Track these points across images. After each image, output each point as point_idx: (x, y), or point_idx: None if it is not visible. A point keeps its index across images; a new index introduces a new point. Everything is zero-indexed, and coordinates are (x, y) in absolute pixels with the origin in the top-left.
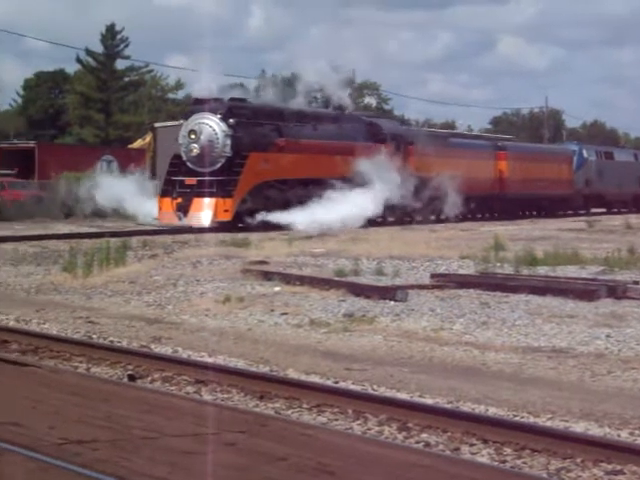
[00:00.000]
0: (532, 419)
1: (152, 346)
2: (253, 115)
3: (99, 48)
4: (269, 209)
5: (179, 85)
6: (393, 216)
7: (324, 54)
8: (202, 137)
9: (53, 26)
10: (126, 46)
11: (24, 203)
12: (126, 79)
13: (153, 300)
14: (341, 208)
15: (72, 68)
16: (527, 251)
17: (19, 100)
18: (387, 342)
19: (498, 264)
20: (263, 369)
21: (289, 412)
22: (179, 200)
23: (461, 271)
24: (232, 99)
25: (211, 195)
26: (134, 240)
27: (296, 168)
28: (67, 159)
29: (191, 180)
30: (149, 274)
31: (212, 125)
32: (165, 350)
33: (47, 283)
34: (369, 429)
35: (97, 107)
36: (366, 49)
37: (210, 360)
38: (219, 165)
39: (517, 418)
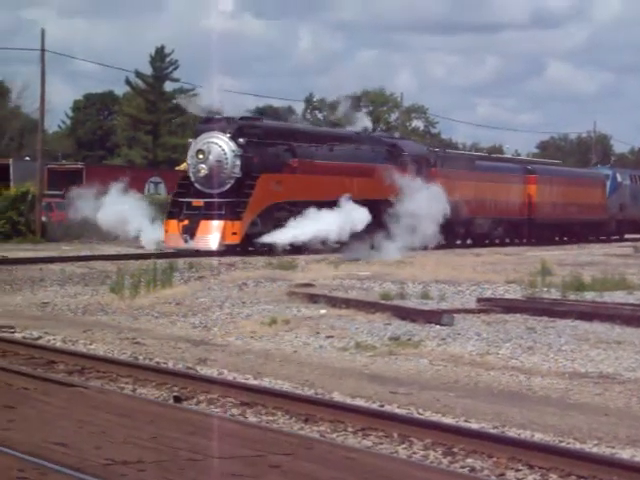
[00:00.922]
0: (578, 445)
1: (198, 368)
2: (265, 135)
3: (148, 70)
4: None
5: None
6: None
7: (372, 78)
8: (210, 157)
9: (102, 48)
10: (175, 68)
11: (71, 224)
12: (174, 101)
13: (199, 322)
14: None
15: (121, 90)
16: (574, 276)
17: (68, 122)
18: (433, 366)
19: (545, 289)
20: (308, 392)
21: (334, 435)
22: (186, 222)
23: (507, 296)
24: (243, 118)
25: (219, 217)
26: (180, 262)
27: (310, 190)
28: (115, 180)
29: (198, 202)
30: (195, 296)
31: (221, 145)
32: (211, 372)
33: (94, 304)
34: (414, 453)
35: (145, 129)
36: (414, 73)
37: (255, 382)
38: (228, 186)
39: (563, 444)
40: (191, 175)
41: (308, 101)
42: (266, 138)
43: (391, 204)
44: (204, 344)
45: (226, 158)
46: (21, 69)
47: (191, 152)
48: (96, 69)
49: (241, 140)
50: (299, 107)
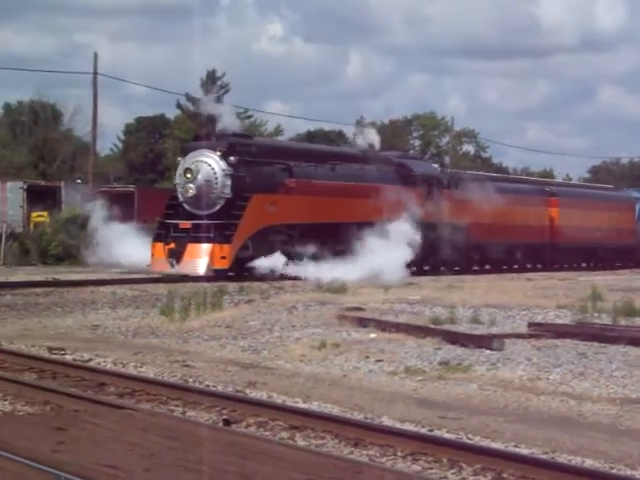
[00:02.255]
0: (629, 472)
1: (247, 391)
2: (259, 153)
3: (199, 94)
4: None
5: (278, 131)
6: (427, 264)
7: (423, 102)
8: (199, 176)
9: (154, 72)
10: (226, 92)
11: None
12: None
13: (249, 345)
14: (360, 258)
15: (172, 113)
16: (626, 301)
17: (119, 145)
18: (482, 391)
19: (596, 314)
20: (357, 416)
21: (383, 459)
22: (172, 245)
23: (558, 321)
24: (235, 135)
25: (207, 240)
26: (230, 285)
27: (308, 211)
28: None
29: (186, 224)
30: (245, 319)
31: (210, 163)
32: (260, 395)
33: (145, 326)
34: (463, 478)
35: None
36: (465, 97)
37: (305, 406)
38: (218, 207)
39: (614, 470)
40: (179, 195)
41: (358, 124)
42: (260, 156)
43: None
44: (254, 367)
45: (216, 177)
46: (74, 92)
47: (179, 171)
48: (147, 92)
49: (232, 158)
50: (349, 131)
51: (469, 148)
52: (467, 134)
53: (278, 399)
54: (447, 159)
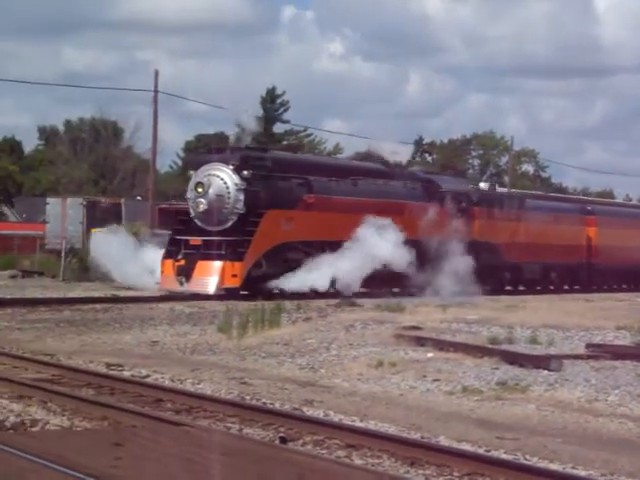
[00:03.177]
0: None
1: (304, 409)
2: (275, 167)
3: (259, 111)
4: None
5: (338, 150)
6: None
7: (482, 121)
8: (210, 191)
9: (214, 89)
10: (286, 110)
11: None
12: (284, 142)
13: (306, 363)
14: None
15: (232, 131)
16: None
17: (179, 162)
18: (540, 411)
19: None
20: (414, 435)
21: (440, 479)
22: (182, 263)
23: (617, 342)
24: (249, 148)
25: (218, 258)
26: (288, 303)
27: (327, 229)
28: None
29: (196, 240)
30: (303, 337)
31: (223, 177)
32: (317, 413)
33: (202, 343)
34: None
35: None
36: (524, 116)
37: (361, 425)
38: (230, 223)
39: None
40: (191, 210)
41: (417, 144)
42: (276, 171)
43: (422, 245)
44: (311, 385)
45: (228, 192)
46: (134, 109)
47: (190, 185)
48: (207, 110)
49: (245, 172)
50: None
51: (528, 168)
52: (526, 154)
53: (335, 417)
54: (506, 179)
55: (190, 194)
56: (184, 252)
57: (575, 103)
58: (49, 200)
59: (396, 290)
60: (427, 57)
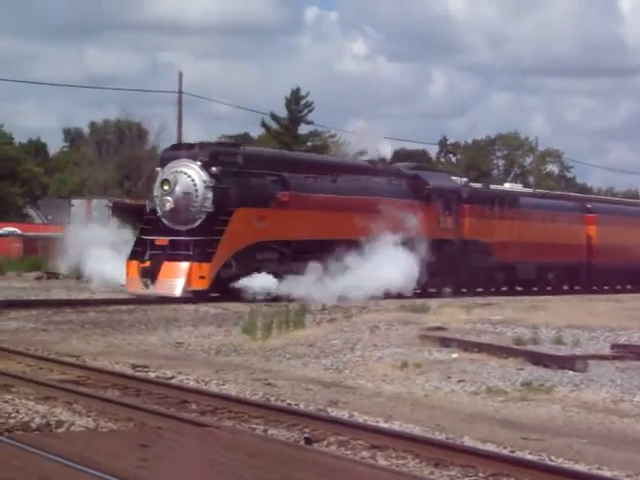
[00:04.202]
0: None
1: (329, 410)
2: (247, 164)
3: (283, 113)
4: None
5: (362, 151)
6: (435, 286)
7: (507, 121)
8: (177, 188)
9: (238, 90)
10: (310, 111)
11: None
12: (309, 144)
13: (330, 364)
14: (359, 275)
15: (256, 132)
16: None
17: None
18: (565, 412)
19: None
20: (439, 436)
21: None
22: (147, 264)
23: None
24: (219, 144)
25: (185, 258)
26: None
27: (303, 227)
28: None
29: (162, 240)
30: (327, 338)
31: (190, 174)
32: (342, 414)
33: (227, 344)
34: None
35: None
36: (549, 116)
37: (386, 425)
38: (198, 222)
39: None
40: (158, 209)
41: (442, 144)
42: (248, 167)
43: (407, 244)
44: (335, 386)
45: (196, 190)
46: (159, 111)
47: (157, 183)
48: (231, 111)
49: (214, 169)
50: (433, 150)
51: (553, 168)
52: (551, 154)
53: (360, 418)
54: (531, 179)
55: (156, 192)
56: (150, 253)
57: (600, 103)
58: (74, 202)
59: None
60: (451, 57)
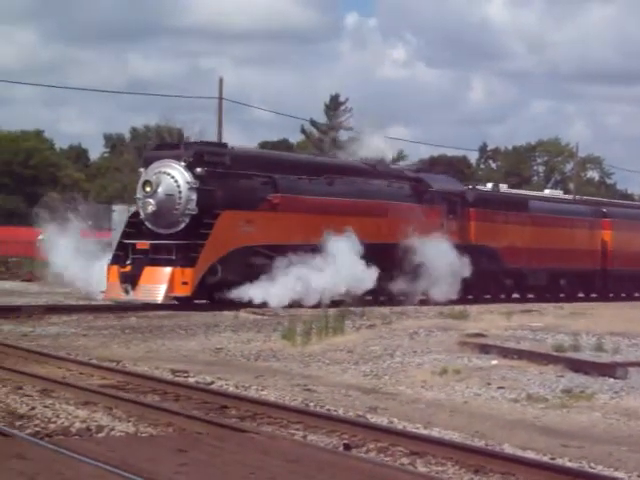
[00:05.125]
0: None
1: (368, 416)
2: (234, 164)
3: (323, 119)
4: (252, 281)
5: (401, 156)
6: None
7: (547, 128)
8: (160, 190)
9: (277, 96)
10: (350, 117)
11: None
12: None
13: (370, 370)
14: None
15: (295, 138)
16: None
17: None
18: (606, 419)
19: None
20: (479, 443)
21: None
22: (127, 269)
23: None
24: (205, 143)
25: (168, 263)
26: (352, 310)
27: (297, 231)
28: None
29: (144, 244)
30: (366, 344)
31: (173, 175)
32: (381, 420)
33: (266, 350)
34: None
35: None
36: (589, 123)
37: (425, 432)
38: (182, 226)
39: None
40: (140, 211)
41: (482, 150)
42: (236, 168)
43: (408, 249)
44: (374, 392)
45: (179, 191)
46: (199, 116)
47: (139, 184)
48: (271, 117)
49: (199, 170)
50: (473, 156)
51: (594, 174)
52: (592, 160)
53: (399, 424)
54: (572, 186)
55: (139, 194)
56: (132, 257)
57: None
58: (115, 207)
59: (382, 299)
60: (490, 63)
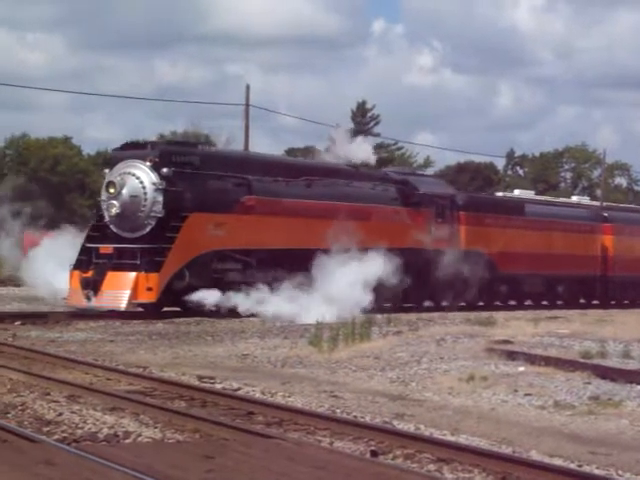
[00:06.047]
0: None
1: (395, 422)
2: (204, 165)
3: (349, 125)
4: (222, 287)
5: (428, 163)
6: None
7: (574, 134)
8: (124, 192)
9: (304, 103)
10: (376, 124)
11: None
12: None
13: (396, 376)
14: (330, 290)
15: (322, 145)
16: None
17: None
18: (634, 426)
19: None
20: (506, 449)
21: None
22: (89, 274)
23: None
24: (173, 142)
25: (132, 268)
26: (378, 316)
27: (271, 236)
28: None
29: (107, 248)
30: (393, 350)
31: (139, 176)
32: (408, 427)
33: (293, 356)
34: None
35: None
36: (617, 129)
37: (452, 439)
38: (148, 229)
39: None
40: (105, 214)
41: (509, 157)
42: (206, 169)
43: (392, 255)
44: (401, 399)
45: (144, 193)
46: (226, 123)
47: (103, 185)
48: (298, 123)
49: (165, 170)
50: (500, 163)
51: (621, 181)
52: (619, 167)
53: (426, 431)
54: (599, 192)
55: (103, 195)
56: (94, 262)
57: None
58: None
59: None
60: (517, 69)
